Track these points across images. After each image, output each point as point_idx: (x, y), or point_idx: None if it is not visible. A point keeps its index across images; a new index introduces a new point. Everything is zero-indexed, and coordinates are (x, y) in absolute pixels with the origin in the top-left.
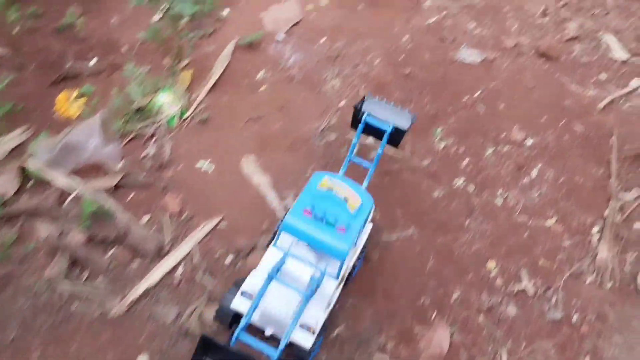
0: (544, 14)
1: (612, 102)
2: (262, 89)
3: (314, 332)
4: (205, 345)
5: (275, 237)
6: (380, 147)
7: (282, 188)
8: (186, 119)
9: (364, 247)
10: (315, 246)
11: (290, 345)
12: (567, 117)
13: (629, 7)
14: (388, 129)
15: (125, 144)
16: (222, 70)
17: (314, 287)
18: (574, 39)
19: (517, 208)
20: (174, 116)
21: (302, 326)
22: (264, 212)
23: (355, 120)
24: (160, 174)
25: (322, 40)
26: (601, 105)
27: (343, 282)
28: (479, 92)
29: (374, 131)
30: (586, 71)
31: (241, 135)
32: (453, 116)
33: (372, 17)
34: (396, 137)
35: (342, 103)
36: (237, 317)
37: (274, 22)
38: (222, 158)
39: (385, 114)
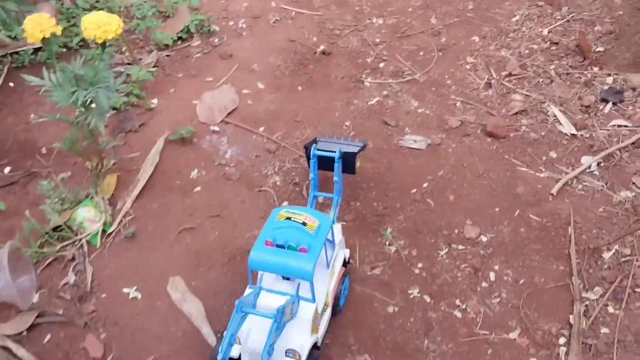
0: (488, 86)
1: (565, 184)
2: (196, 190)
3: (299, 358)
4: None
5: (249, 276)
6: (335, 174)
7: (219, 316)
8: (111, 233)
9: (346, 274)
10: (283, 272)
11: None
12: (521, 207)
13: (572, 75)
14: (336, 155)
15: (42, 270)
16: (151, 171)
17: (282, 314)
18: (520, 112)
19: (477, 320)
20: (97, 233)
21: (286, 353)
22: (199, 351)
23: (308, 160)
24: (82, 306)
25: (261, 129)
26: (554, 189)
27: (329, 308)
28: (426, 183)
29: (327, 163)
30: (536, 150)
31: (173, 250)
32: (402, 213)
33: (312, 99)
34: (348, 162)
35: (285, 204)
36: None
37: (208, 111)
38: (151, 282)
39: (334, 145)
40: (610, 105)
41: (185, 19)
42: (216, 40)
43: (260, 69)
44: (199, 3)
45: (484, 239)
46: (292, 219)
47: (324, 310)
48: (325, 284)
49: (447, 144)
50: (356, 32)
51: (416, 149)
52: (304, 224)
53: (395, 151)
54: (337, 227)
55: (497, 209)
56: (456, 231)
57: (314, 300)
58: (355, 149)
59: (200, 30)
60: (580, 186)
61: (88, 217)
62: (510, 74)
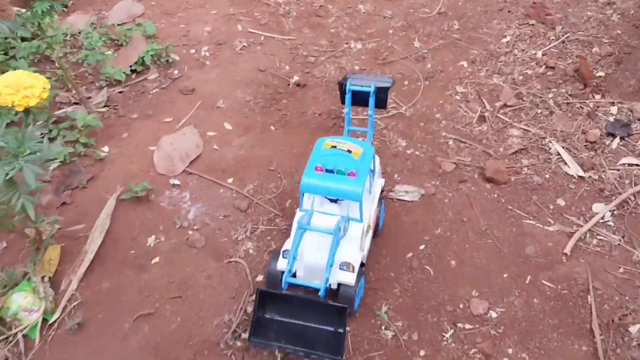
0: (482, 119)
1: (578, 239)
2: (154, 261)
3: (353, 269)
4: (262, 297)
5: (300, 201)
6: (370, 108)
7: None
8: (53, 324)
9: (382, 199)
10: (333, 195)
11: (337, 293)
12: (532, 272)
13: (573, 105)
14: (371, 89)
15: None
16: (101, 239)
17: (340, 228)
18: (520, 151)
19: None
20: (35, 325)
21: (340, 266)
22: None
23: (342, 95)
24: None
25: (229, 180)
26: (568, 248)
27: (371, 230)
28: (423, 245)
29: (361, 99)
30: (541, 197)
31: (127, 345)
32: (398, 285)
33: (287, 141)
34: (381, 97)
35: (260, 278)
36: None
37: (167, 159)
38: None
39: (366, 81)
40: (617, 140)
41: (140, 48)
42: (176, 72)
43: (226, 105)
44: (155, 30)
45: (493, 314)
46: (337, 147)
47: (367, 231)
48: (368, 208)
49: (442, 194)
50: (333, 58)
51: (409, 201)
52: (349, 151)
53: (386, 205)
54: (377, 159)
55: (505, 275)
56: (461, 306)
57: (361, 220)
58: (387, 84)
59: (157, 61)
60: (594, 241)
61: (24, 306)
62: (505, 105)
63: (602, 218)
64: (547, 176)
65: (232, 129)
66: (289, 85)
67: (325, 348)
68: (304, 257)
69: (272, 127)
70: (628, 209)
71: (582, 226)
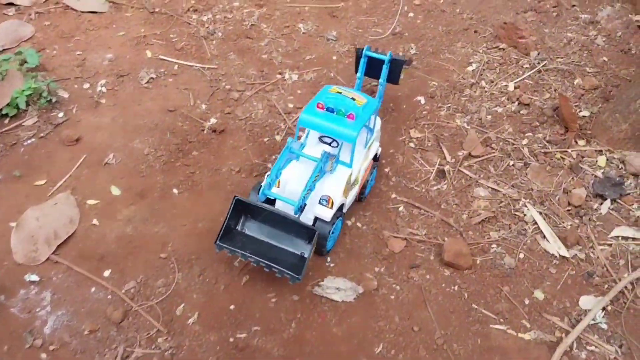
0: (440, 175)
1: (563, 354)
2: None
3: (332, 205)
4: (238, 205)
5: (296, 134)
6: (382, 77)
7: None
8: None
9: (375, 166)
10: (328, 133)
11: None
12: None
13: (551, 155)
14: (387, 58)
15: None
16: None
17: (327, 159)
18: (487, 220)
19: None
20: None
21: (320, 200)
22: None
23: (358, 62)
24: None
25: (106, 273)
26: None
27: (357, 187)
28: None
29: (375, 70)
30: (514, 288)
31: None
32: None
33: (190, 213)
34: (395, 70)
35: None
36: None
37: (29, 242)
38: None
39: (384, 52)
40: (607, 203)
41: (15, 86)
42: (60, 114)
43: (118, 161)
44: (39, 60)
45: None
46: (342, 93)
47: (354, 183)
48: (360, 162)
49: (388, 287)
50: (262, 93)
51: (341, 301)
52: (353, 98)
53: (310, 307)
54: (378, 120)
55: None
56: None
57: (350, 165)
58: (403, 59)
59: (36, 101)
60: (584, 355)
61: None
62: (469, 155)
63: (593, 319)
64: (521, 256)
65: (120, 194)
66: (203, 130)
67: (287, 265)
68: (287, 186)
69: (175, 191)
70: (625, 303)
71: (567, 332)
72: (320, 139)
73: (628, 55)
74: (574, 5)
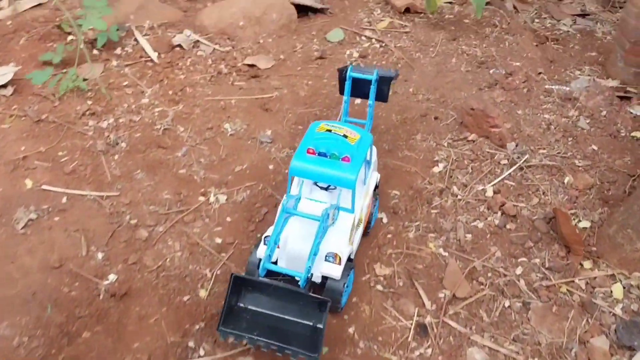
0: (422, 331)
1: None
2: None
3: (340, 261)
4: (237, 283)
5: (289, 186)
6: (371, 98)
7: None
8: None
9: (376, 195)
10: (325, 180)
11: (323, 287)
12: None
13: (555, 288)
14: (374, 77)
15: None
16: None
17: (329, 215)
18: None
19: None
20: None
21: (326, 257)
22: None
23: (342, 84)
24: None
25: None
26: None
27: (362, 226)
28: None
29: (361, 89)
30: None
31: None
32: None
33: None
34: (382, 88)
35: None
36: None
37: None
38: None
39: (368, 70)
40: (639, 356)
41: None
42: None
43: None
44: None
45: None
46: (332, 131)
47: (358, 225)
48: (361, 200)
49: None
50: (180, 226)
51: None
52: (345, 136)
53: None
54: (374, 150)
55: None
56: None
57: (352, 210)
58: (391, 75)
59: None
60: None
61: None
62: (454, 297)
63: None
64: None
65: None
66: (98, 295)
67: (301, 343)
68: (287, 246)
69: None
70: None
71: None
72: (315, 183)
73: (618, 140)
74: (540, 73)
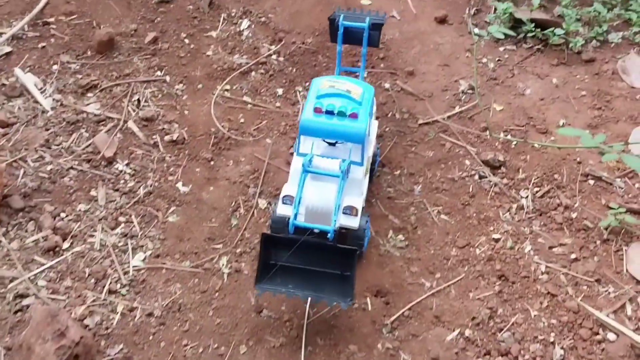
0: None
1: None
2: None
3: (357, 213)
4: (268, 242)
5: (297, 144)
6: (364, 46)
7: None
8: None
9: (378, 145)
10: (336, 137)
11: (343, 237)
12: None
13: None
14: (366, 25)
15: None
16: None
17: (345, 172)
18: None
19: None
20: None
21: (344, 211)
22: None
23: (333, 31)
24: None
25: None
26: None
27: (368, 173)
28: None
29: (353, 37)
30: None
31: None
32: None
33: None
34: (374, 34)
35: None
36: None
37: None
38: None
39: (360, 18)
40: None
41: None
42: None
43: None
44: None
45: None
46: (335, 87)
47: (365, 175)
48: (367, 151)
49: None
50: None
51: None
52: (349, 91)
53: None
54: (373, 100)
55: None
56: None
57: (362, 163)
58: (381, 21)
59: None
60: None
61: None
62: None
63: None
64: None
65: None
66: None
67: (333, 291)
68: (305, 202)
69: None
70: None
71: None
72: (324, 140)
73: None
74: None
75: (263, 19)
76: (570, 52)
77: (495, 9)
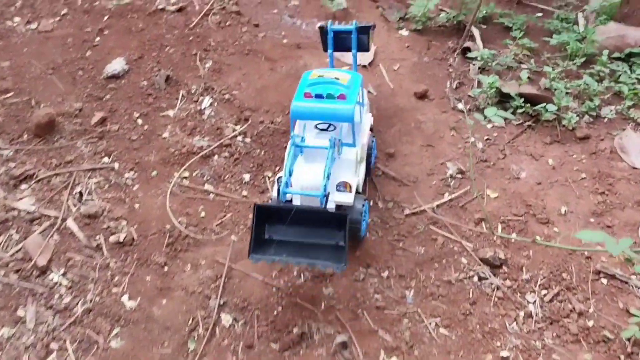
0: None
1: None
2: None
3: (350, 189)
4: (261, 212)
5: (291, 130)
6: (353, 48)
7: None
8: None
9: (373, 136)
10: (325, 117)
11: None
12: None
13: None
14: (353, 28)
15: None
16: None
17: (334, 144)
18: None
19: None
20: None
21: (337, 187)
22: None
23: (324, 39)
24: None
25: None
26: None
27: (364, 162)
28: None
29: (343, 42)
30: None
31: None
32: None
33: None
34: (362, 38)
35: None
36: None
37: None
38: None
39: (347, 25)
40: None
41: None
42: None
43: None
44: None
45: None
46: (324, 76)
47: (360, 161)
48: (360, 137)
49: None
50: None
51: None
52: (337, 78)
53: None
54: (364, 91)
55: None
56: None
57: (354, 144)
58: (369, 24)
59: None
60: None
61: None
62: None
63: None
64: None
65: None
66: None
67: (327, 258)
68: (298, 179)
69: None
70: None
71: None
72: (316, 126)
73: None
74: None
75: (227, 96)
76: (563, 128)
77: (480, 83)
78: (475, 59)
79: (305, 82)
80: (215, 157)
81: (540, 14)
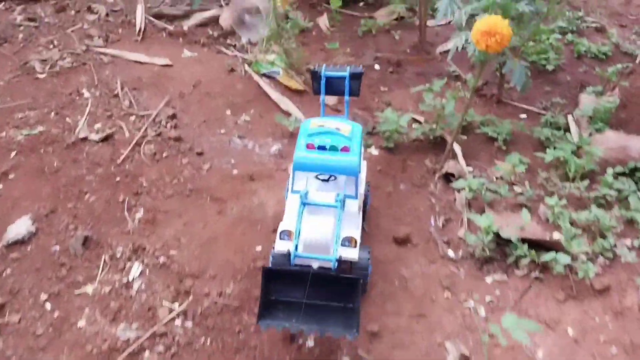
0: None
1: None
2: None
3: (355, 244)
4: (269, 275)
5: (291, 182)
6: (346, 94)
7: None
8: None
9: (368, 182)
10: (329, 170)
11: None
12: None
13: None
14: (347, 73)
15: None
16: None
17: (341, 204)
18: None
19: None
20: None
21: (342, 242)
22: None
23: (317, 84)
24: None
25: None
26: None
27: (361, 209)
28: None
29: (334, 87)
30: None
31: None
32: None
33: None
34: (354, 83)
35: None
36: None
37: None
38: None
39: (340, 69)
40: None
41: None
42: None
43: None
44: None
45: None
46: (325, 126)
47: (359, 210)
48: (359, 185)
49: None
50: None
51: None
52: (338, 128)
53: None
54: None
55: None
56: None
57: (356, 196)
58: (360, 70)
59: None
60: None
61: None
62: None
63: None
64: None
65: None
66: None
67: (338, 323)
68: (303, 234)
69: None
70: None
71: None
72: (317, 177)
73: None
74: None
75: (162, 259)
76: (576, 276)
77: (470, 221)
78: (462, 189)
79: (305, 131)
80: (146, 353)
81: (524, 115)
